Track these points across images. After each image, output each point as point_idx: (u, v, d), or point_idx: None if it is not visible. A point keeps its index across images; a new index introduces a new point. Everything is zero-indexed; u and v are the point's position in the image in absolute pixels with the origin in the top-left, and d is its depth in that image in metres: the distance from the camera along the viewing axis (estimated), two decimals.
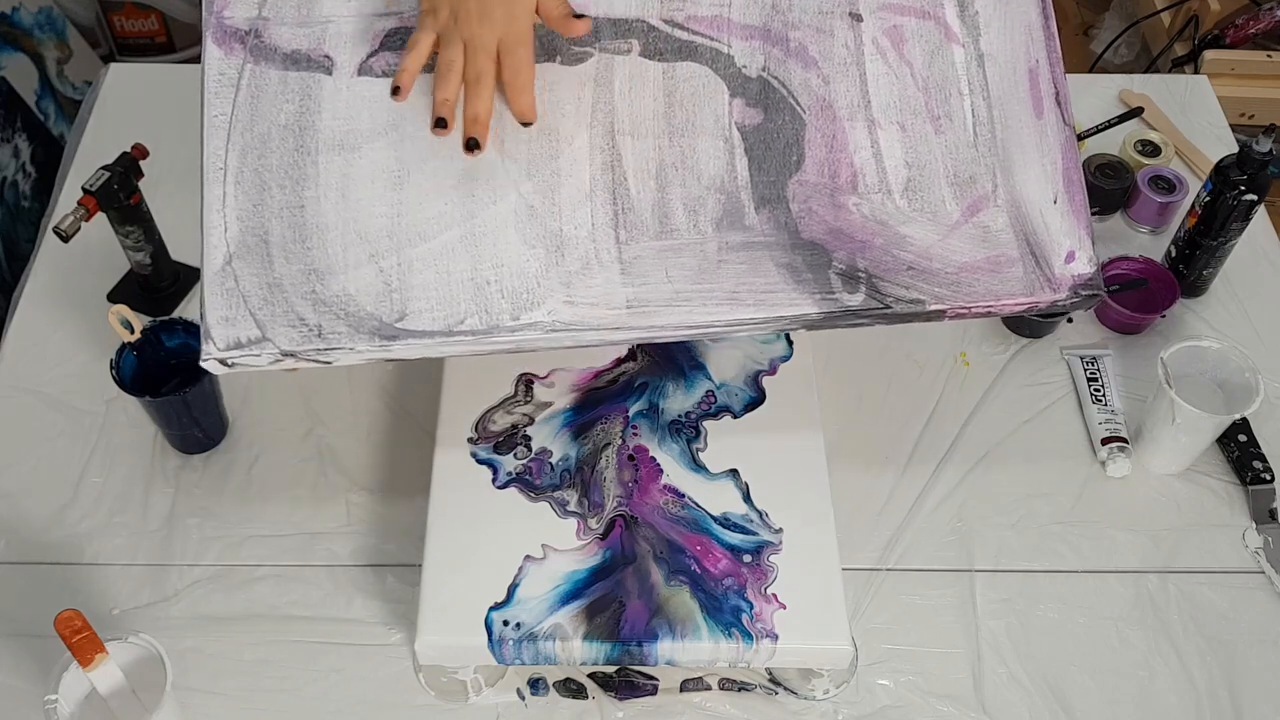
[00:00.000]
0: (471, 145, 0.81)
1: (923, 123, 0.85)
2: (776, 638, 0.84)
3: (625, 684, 0.91)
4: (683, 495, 0.91)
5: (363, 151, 0.83)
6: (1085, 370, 1.12)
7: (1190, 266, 1.17)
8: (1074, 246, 0.84)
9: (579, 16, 0.84)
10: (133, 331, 0.99)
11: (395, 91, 0.81)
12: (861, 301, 0.81)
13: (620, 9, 0.86)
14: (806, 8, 0.87)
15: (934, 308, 0.82)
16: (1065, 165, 0.85)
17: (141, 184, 1.06)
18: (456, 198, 0.82)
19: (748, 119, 0.85)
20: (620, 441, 0.94)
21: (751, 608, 0.86)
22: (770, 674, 0.91)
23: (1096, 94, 1.40)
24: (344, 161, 0.82)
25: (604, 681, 0.91)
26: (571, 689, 0.92)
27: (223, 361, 0.79)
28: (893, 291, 0.82)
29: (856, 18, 0.87)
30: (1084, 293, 0.83)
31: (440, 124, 0.81)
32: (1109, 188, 1.24)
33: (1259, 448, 1.06)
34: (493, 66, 0.81)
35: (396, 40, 0.85)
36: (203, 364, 0.79)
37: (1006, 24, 0.87)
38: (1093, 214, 1.21)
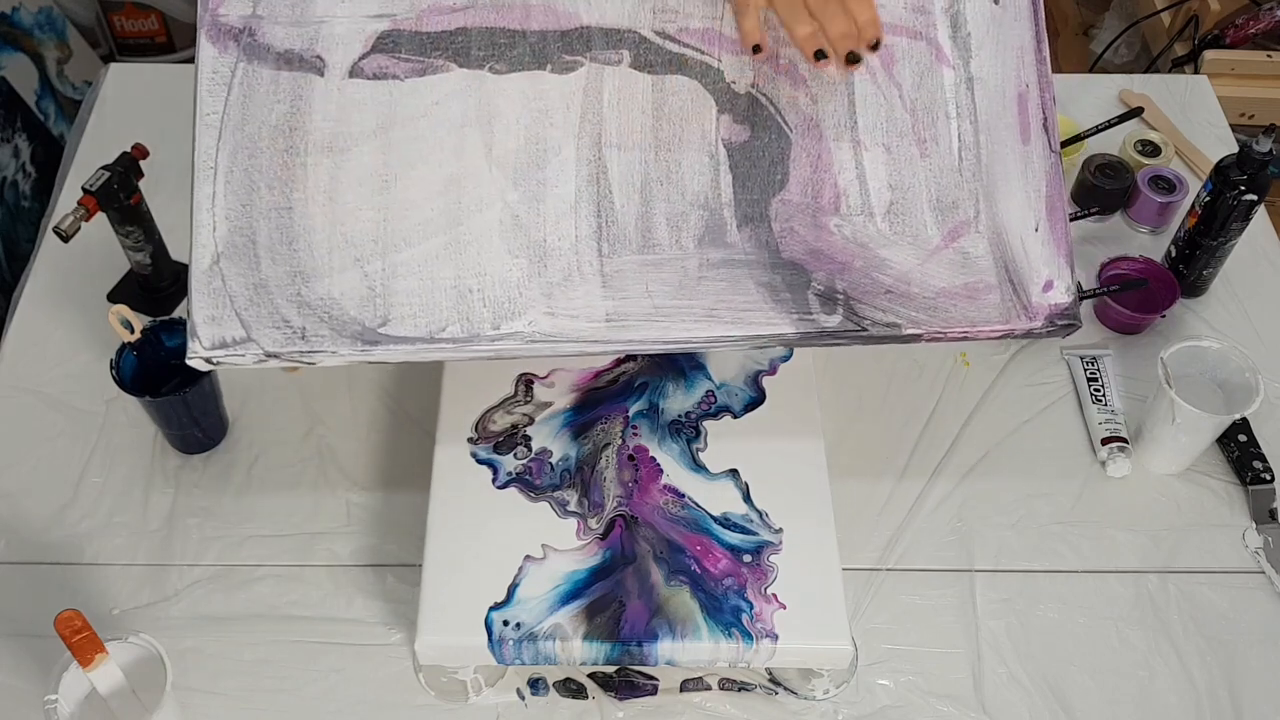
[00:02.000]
0: (853, 59, 0.81)
1: (909, 145, 0.85)
2: (776, 638, 0.84)
3: (625, 684, 0.91)
4: (683, 495, 0.91)
5: (351, 154, 0.83)
6: (1085, 370, 1.12)
7: (1190, 266, 1.17)
8: (1052, 275, 0.84)
9: None
10: (133, 331, 0.99)
11: (756, 49, 0.83)
12: (838, 323, 0.82)
13: (612, 19, 0.86)
14: None
15: (910, 332, 0.82)
16: (1049, 192, 0.85)
17: (141, 184, 1.06)
18: (443, 204, 0.82)
19: (734, 136, 0.85)
20: (620, 441, 0.94)
21: (751, 608, 0.86)
22: (770, 674, 0.91)
23: (1096, 94, 1.40)
24: (332, 164, 0.82)
25: (604, 681, 0.91)
26: (571, 689, 0.92)
27: (208, 360, 0.80)
28: (870, 314, 0.82)
29: None
30: (1060, 322, 0.83)
31: (820, 55, 0.81)
32: (1109, 188, 1.24)
33: (1259, 448, 1.06)
34: None
35: (388, 42, 0.84)
36: (189, 362, 0.80)
37: (999, 46, 0.87)
38: (1093, 214, 1.21)
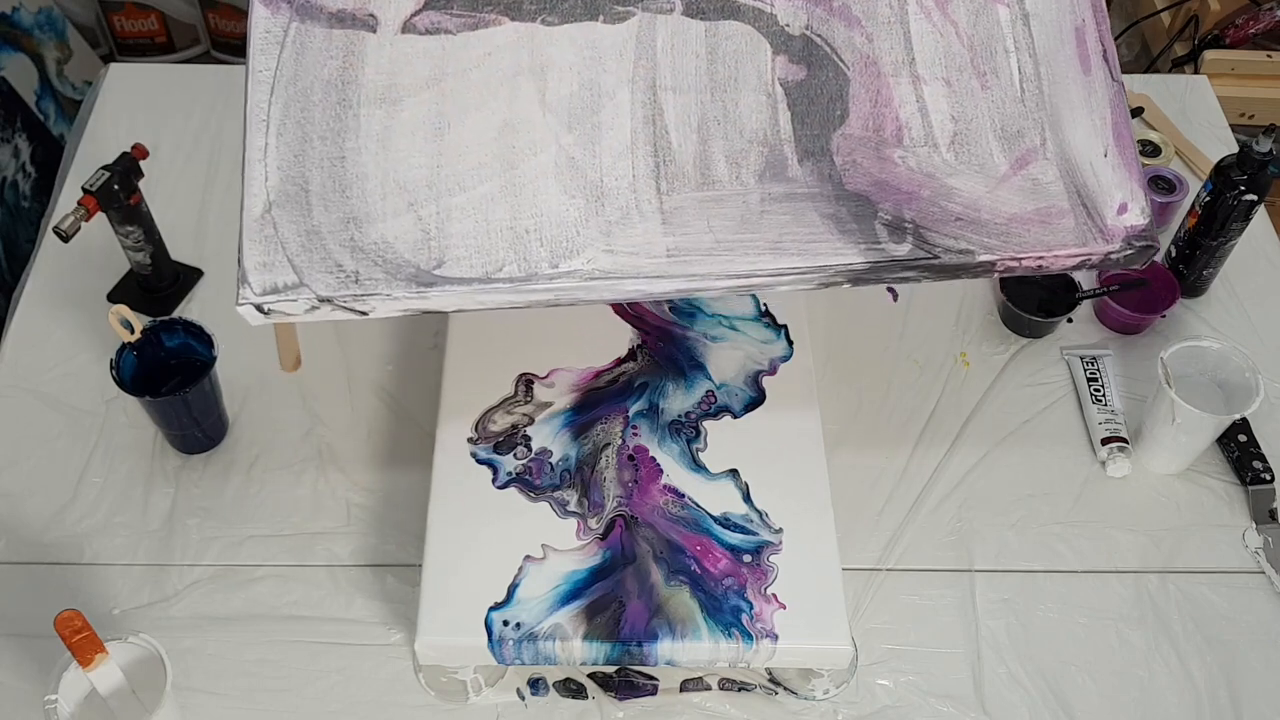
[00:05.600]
0: None
1: (968, 78, 0.85)
2: (776, 638, 0.84)
3: (625, 684, 0.91)
4: (683, 495, 0.91)
5: (404, 105, 0.83)
6: (1085, 370, 1.12)
7: (1190, 266, 1.17)
8: (1126, 198, 0.83)
9: None
10: (133, 331, 0.99)
11: None
12: (908, 251, 0.81)
13: None
14: None
15: (983, 258, 0.81)
16: (1115, 120, 0.85)
17: (141, 184, 1.06)
18: (497, 149, 0.82)
19: (791, 75, 0.85)
20: (620, 441, 0.94)
21: (751, 608, 0.86)
22: (770, 674, 0.91)
23: None
24: (385, 114, 0.83)
25: (604, 681, 0.91)
26: (571, 689, 0.92)
27: (259, 308, 0.78)
28: (941, 242, 0.81)
29: None
30: (1138, 243, 0.82)
31: None
32: None
33: (1259, 448, 1.06)
34: None
35: (440, 0, 0.85)
36: (238, 309, 0.78)
37: None
38: None
